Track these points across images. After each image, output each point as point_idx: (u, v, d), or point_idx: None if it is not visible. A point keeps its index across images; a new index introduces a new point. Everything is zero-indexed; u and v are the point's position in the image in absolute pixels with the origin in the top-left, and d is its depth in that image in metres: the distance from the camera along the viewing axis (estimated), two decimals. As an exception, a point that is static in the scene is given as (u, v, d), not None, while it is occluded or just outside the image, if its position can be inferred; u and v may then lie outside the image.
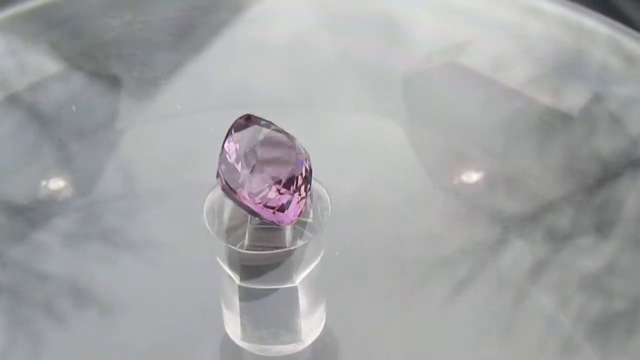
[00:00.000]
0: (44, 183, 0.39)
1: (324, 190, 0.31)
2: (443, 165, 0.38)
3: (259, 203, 0.29)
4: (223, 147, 0.29)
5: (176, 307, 0.34)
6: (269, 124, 0.29)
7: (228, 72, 0.42)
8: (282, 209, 0.29)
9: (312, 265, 0.30)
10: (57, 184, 0.39)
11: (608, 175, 0.38)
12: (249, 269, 0.30)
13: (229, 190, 0.29)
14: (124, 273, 0.36)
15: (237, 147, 0.29)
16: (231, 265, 0.30)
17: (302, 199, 0.29)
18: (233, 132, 0.29)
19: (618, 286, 0.34)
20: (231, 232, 0.30)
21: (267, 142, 0.29)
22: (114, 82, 0.42)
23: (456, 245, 0.35)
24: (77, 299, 0.35)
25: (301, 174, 0.29)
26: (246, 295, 0.30)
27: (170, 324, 0.34)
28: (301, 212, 0.30)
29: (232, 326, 0.32)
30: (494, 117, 0.40)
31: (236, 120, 0.30)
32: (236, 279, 0.30)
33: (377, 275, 0.34)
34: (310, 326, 0.32)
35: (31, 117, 0.41)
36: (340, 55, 0.42)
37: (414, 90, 0.41)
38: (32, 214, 0.37)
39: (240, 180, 0.29)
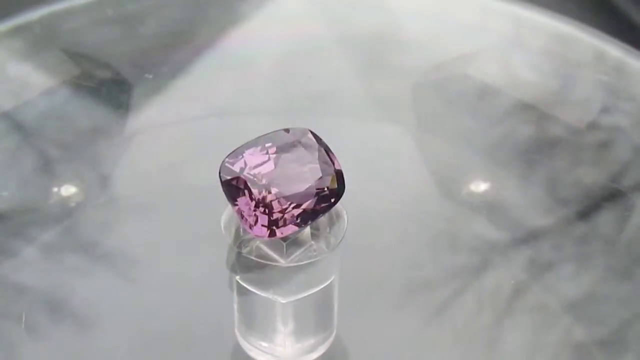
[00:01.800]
0: (22, 192, 0.38)
1: (343, 211, 0.31)
2: (427, 192, 0.39)
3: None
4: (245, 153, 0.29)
5: (155, 323, 0.34)
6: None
7: (226, 78, 0.42)
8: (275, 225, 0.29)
9: (313, 288, 0.30)
10: (36, 193, 0.38)
11: (591, 204, 0.38)
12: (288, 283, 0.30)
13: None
14: (102, 286, 0.35)
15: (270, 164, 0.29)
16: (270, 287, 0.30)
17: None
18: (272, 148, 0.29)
19: (599, 315, 0.34)
20: (243, 245, 0.30)
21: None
22: (97, 94, 0.42)
23: (438, 268, 0.35)
24: (53, 312, 0.34)
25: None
26: (290, 312, 0.30)
27: (149, 340, 0.33)
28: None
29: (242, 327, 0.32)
30: (479, 143, 0.40)
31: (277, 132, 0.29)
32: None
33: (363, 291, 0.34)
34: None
35: (11, 126, 0.40)
36: (345, 61, 0.43)
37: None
38: (9, 223, 0.37)
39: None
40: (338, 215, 0.30)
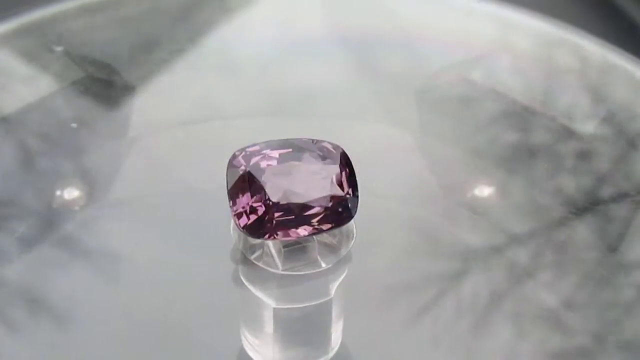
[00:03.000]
0: (1, 185, 0.38)
1: (353, 230, 0.30)
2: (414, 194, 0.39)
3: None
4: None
5: (134, 323, 0.34)
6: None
7: (222, 77, 0.42)
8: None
9: (342, 277, 0.30)
10: (15, 186, 0.38)
11: (571, 213, 0.38)
12: (285, 290, 0.30)
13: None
14: (81, 283, 0.35)
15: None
16: (265, 288, 0.30)
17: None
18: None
19: (576, 323, 0.34)
20: (255, 251, 0.30)
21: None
22: (81, 88, 0.42)
23: (417, 273, 0.35)
24: (31, 307, 0.34)
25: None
26: (281, 318, 0.30)
27: (126, 338, 0.33)
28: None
29: (264, 351, 0.31)
30: (462, 147, 0.41)
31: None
32: (272, 302, 0.30)
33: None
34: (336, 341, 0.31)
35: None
36: (348, 62, 0.42)
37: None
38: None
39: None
40: (348, 233, 0.30)
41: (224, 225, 0.31)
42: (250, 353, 0.31)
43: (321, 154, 0.29)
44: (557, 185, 0.39)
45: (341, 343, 0.32)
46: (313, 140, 0.29)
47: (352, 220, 0.30)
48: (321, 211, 0.28)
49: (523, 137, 0.41)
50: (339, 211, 0.29)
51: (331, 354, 0.31)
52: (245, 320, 0.32)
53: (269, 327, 0.30)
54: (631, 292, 0.35)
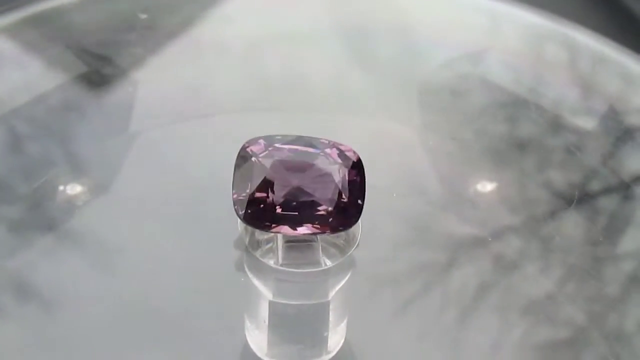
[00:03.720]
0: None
1: (358, 233, 0.30)
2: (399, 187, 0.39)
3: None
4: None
5: (123, 309, 0.34)
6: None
7: (224, 70, 0.42)
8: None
9: (343, 281, 0.30)
10: (4, 171, 0.38)
11: (559, 206, 0.38)
12: (282, 285, 0.30)
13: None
14: (69, 269, 0.35)
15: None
16: (264, 281, 0.30)
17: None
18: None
19: (562, 315, 0.35)
20: (260, 246, 0.30)
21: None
22: (72, 73, 0.41)
23: (405, 264, 0.36)
24: (19, 292, 0.34)
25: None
26: (276, 311, 0.30)
27: (115, 324, 0.33)
28: None
29: (258, 341, 0.31)
30: (452, 141, 0.41)
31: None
32: (269, 295, 0.30)
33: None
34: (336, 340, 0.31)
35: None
36: (349, 56, 0.42)
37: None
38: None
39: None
40: (352, 236, 0.30)
41: (226, 212, 0.31)
42: (250, 341, 0.32)
43: (334, 156, 0.29)
44: (545, 179, 0.39)
45: (329, 335, 0.32)
46: (329, 142, 0.29)
47: (359, 226, 0.30)
48: (323, 213, 0.28)
49: (512, 130, 0.41)
50: (342, 216, 0.29)
51: (318, 347, 0.32)
52: (243, 310, 0.32)
53: (264, 319, 0.30)
54: (617, 285, 0.35)
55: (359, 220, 0.30)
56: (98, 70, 0.42)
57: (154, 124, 0.40)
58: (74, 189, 0.38)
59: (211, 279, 0.34)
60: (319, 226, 0.29)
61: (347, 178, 0.29)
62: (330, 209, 0.28)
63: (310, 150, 0.29)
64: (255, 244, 0.30)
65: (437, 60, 0.43)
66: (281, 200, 0.28)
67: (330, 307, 0.30)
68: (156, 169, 0.38)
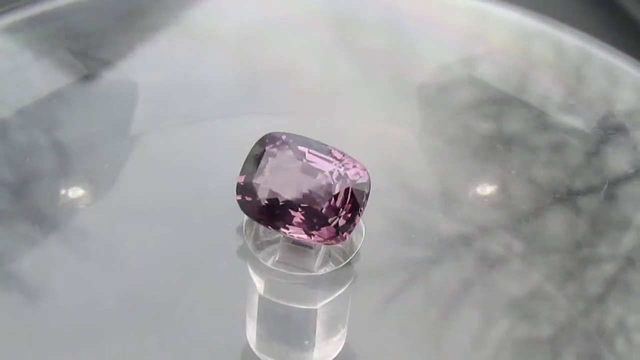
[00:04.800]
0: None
1: (362, 226, 0.30)
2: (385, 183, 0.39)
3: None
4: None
5: (103, 299, 0.34)
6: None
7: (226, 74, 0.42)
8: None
9: (337, 293, 0.30)
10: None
11: (542, 204, 0.38)
12: (273, 283, 0.30)
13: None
14: (52, 259, 0.35)
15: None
16: (258, 277, 0.30)
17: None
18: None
19: (543, 313, 0.35)
20: (264, 246, 0.30)
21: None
22: (57, 61, 0.41)
23: (388, 260, 0.36)
24: (1, 280, 0.34)
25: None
26: (266, 308, 0.30)
27: (96, 314, 0.33)
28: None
29: (251, 332, 0.31)
30: (435, 138, 0.41)
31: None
32: (260, 289, 0.30)
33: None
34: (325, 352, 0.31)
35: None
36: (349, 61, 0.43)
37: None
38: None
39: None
40: (352, 247, 0.30)
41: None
42: (247, 333, 0.32)
43: (340, 169, 0.29)
44: (529, 176, 0.39)
45: (312, 344, 0.32)
46: (345, 156, 0.29)
47: (361, 239, 0.30)
48: (303, 220, 0.28)
49: (497, 127, 0.41)
50: (323, 229, 0.29)
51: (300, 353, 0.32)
52: (235, 301, 0.32)
53: (253, 313, 0.30)
54: (599, 284, 0.36)
55: (363, 235, 0.30)
56: (85, 59, 0.42)
57: (142, 115, 0.40)
58: (58, 179, 0.38)
59: (206, 269, 0.35)
60: (302, 233, 0.29)
61: (338, 194, 0.29)
62: (314, 220, 0.28)
63: (323, 159, 0.29)
64: (259, 245, 0.30)
65: (425, 55, 0.43)
66: (265, 194, 0.28)
67: (318, 316, 0.30)
68: (148, 165, 0.38)
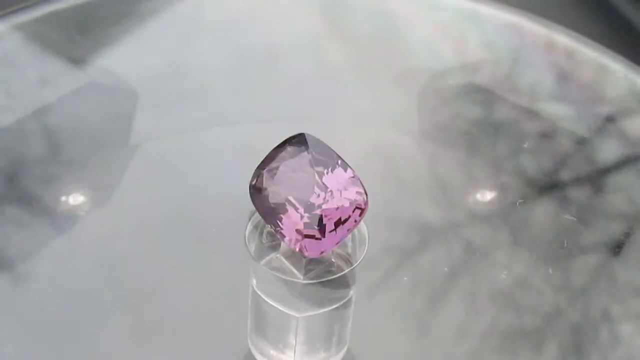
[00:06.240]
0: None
1: (364, 228, 0.30)
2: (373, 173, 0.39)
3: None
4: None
5: (91, 281, 0.34)
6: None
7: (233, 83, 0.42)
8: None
9: (327, 307, 0.30)
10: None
11: (530, 193, 0.38)
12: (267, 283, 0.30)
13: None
14: (41, 241, 0.35)
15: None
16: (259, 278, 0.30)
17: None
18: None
19: (528, 303, 0.35)
20: (266, 253, 0.30)
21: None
22: (47, 47, 0.41)
23: (376, 247, 0.36)
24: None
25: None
26: (257, 302, 0.30)
27: (80, 297, 0.33)
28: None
29: (253, 334, 0.32)
30: (424, 125, 0.41)
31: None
32: (253, 284, 0.31)
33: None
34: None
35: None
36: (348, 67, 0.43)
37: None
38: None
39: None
40: (360, 234, 0.30)
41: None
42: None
43: (340, 187, 0.29)
44: (518, 165, 0.39)
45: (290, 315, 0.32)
46: (355, 175, 0.29)
47: (364, 250, 0.30)
48: (283, 224, 0.29)
49: (486, 115, 0.41)
50: (307, 242, 0.29)
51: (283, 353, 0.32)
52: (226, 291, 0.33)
53: (246, 301, 0.31)
54: (583, 275, 0.36)
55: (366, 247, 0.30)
56: (76, 46, 0.42)
57: (134, 101, 0.40)
58: (49, 166, 0.38)
59: (188, 254, 0.35)
60: (286, 237, 0.29)
61: (326, 210, 0.29)
62: (298, 227, 0.28)
63: (327, 167, 0.29)
64: (260, 249, 0.30)
65: (416, 42, 0.43)
66: (260, 189, 0.29)
67: (298, 323, 0.30)
68: (141, 162, 0.39)
